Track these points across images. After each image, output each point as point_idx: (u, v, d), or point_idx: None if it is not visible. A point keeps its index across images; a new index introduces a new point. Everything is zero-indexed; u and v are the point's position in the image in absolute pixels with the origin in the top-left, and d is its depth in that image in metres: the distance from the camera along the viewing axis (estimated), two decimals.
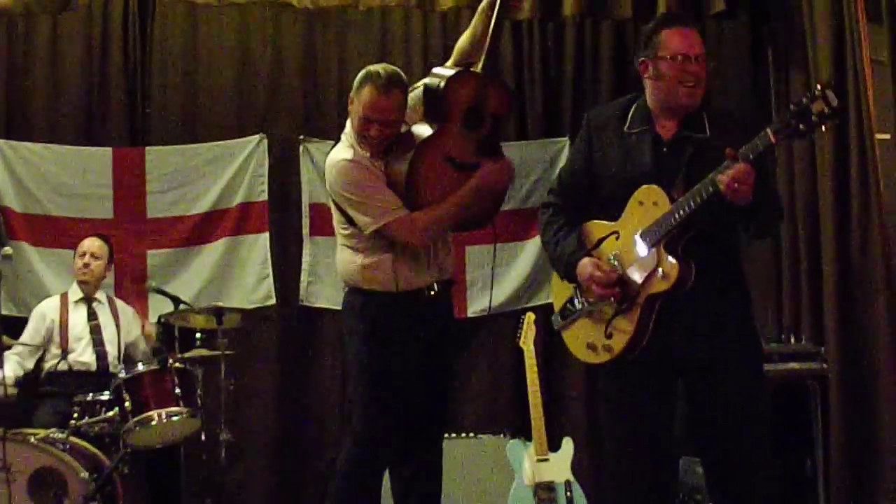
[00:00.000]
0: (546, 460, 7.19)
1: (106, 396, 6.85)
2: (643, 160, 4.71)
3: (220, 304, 7.50)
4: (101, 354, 7.59)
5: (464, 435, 7.75)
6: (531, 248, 8.55)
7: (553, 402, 8.03)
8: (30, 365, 7.44)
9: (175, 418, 6.66)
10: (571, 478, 7.17)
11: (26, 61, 8.54)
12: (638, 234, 4.64)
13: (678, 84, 4.65)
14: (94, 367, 7.53)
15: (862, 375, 7.20)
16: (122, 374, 6.74)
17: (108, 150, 8.49)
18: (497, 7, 5.35)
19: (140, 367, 6.82)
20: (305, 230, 8.50)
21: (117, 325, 7.75)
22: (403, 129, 5.37)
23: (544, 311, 7.59)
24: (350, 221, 5.33)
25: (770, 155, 4.89)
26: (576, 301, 4.93)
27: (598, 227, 4.86)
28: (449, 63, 5.56)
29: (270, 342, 8.51)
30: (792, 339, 7.45)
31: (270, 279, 8.40)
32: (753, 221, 4.61)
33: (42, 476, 6.26)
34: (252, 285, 8.44)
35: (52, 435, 6.51)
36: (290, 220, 8.57)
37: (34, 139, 8.43)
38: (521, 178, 8.59)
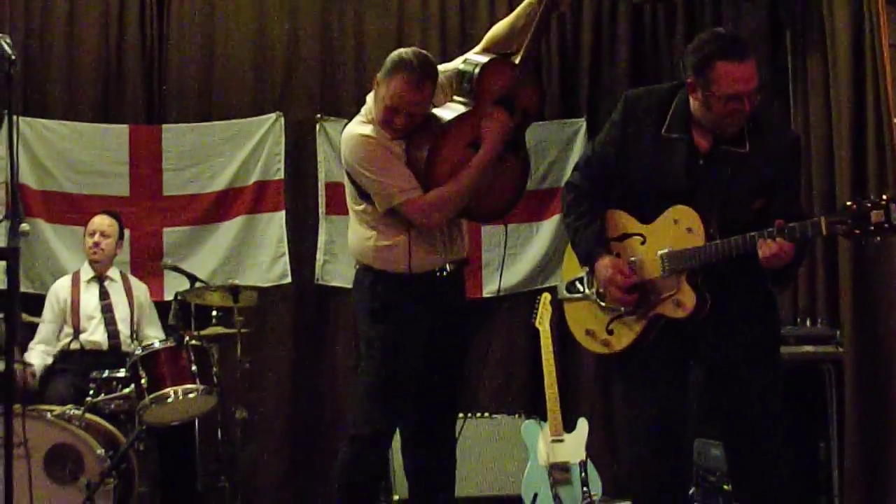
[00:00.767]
0: (561, 440, 7.20)
1: (122, 373, 6.85)
2: (678, 172, 4.62)
3: (237, 282, 7.49)
4: (112, 333, 7.61)
5: (479, 415, 7.78)
6: (547, 229, 8.57)
7: (568, 382, 8.02)
8: (54, 351, 7.49)
9: (191, 395, 6.67)
10: (586, 458, 7.17)
11: (43, 38, 8.55)
12: (665, 251, 4.62)
13: (729, 121, 4.54)
14: (105, 347, 7.56)
15: (877, 359, 7.17)
16: (138, 352, 6.75)
17: (125, 127, 8.52)
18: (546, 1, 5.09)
19: (156, 344, 6.83)
20: (321, 209, 8.51)
21: (130, 304, 7.77)
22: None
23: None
24: (363, 196, 5.17)
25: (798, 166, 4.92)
26: (585, 284, 4.94)
27: (625, 221, 4.81)
28: (477, 49, 5.38)
29: (286, 321, 8.53)
30: (807, 323, 7.42)
31: (286, 258, 8.40)
32: (779, 279, 4.61)
33: (58, 452, 6.28)
34: (268, 264, 8.45)
35: (68, 411, 6.53)
36: (305, 199, 8.57)
37: (51, 116, 8.46)
38: (538, 160, 8.60)
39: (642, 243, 4.73)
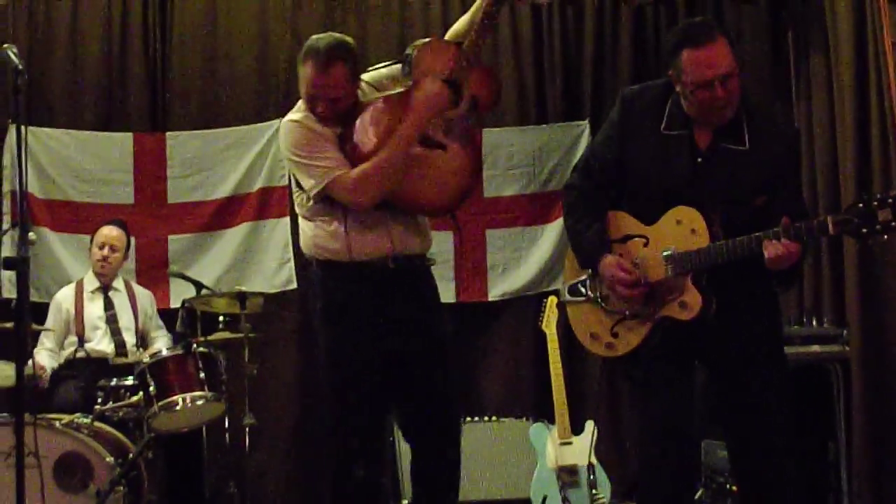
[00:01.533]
0: (569, 443, 7.20)
1: (130, 381, 6.86)
2: (679, 171, 4.62)
3: (243, 288, 7.49)
4: (119, 343, 7.64)
5: (486, 418, 7.79)
6: (552, 231, 8.54)
7: (575, 385, 8.00)
8: (60, 359, 7.50)
9: (199, 402, 6.65)
10: (594, 461, 7.17)
11: (46, 47, 8.56)
12: (668, 253, 4.60)
13: (710, 110, 4.51)
14: (111, 357, 7.57)
15: (884, 358, 7.18)
16: (146, 360, 6.75)
17: (129, 135, 8.53)
18: None
19: (164, 352, 6.82)
20: None
21: (135, 313, 7.79)
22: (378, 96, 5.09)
23: None
24: (299, 185, 5.08)
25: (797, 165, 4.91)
26: (587, 287, 4.92)
27: (627, 222, 4.80)
28: None
29: (291, 326, 8.51)
30: (813, 322, 7.42)
31: (292, 264, 8.38)
32: (783, 280, 4.60)
33: (68, 461, 6.27)
34: (273, 270, 8.45)
35: (76, 420, 6.53)
36: None
37: (54, 125, 8.47)
38: (542, 163, 8.65)
39: (645, 245, 4.72)
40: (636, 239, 4.75)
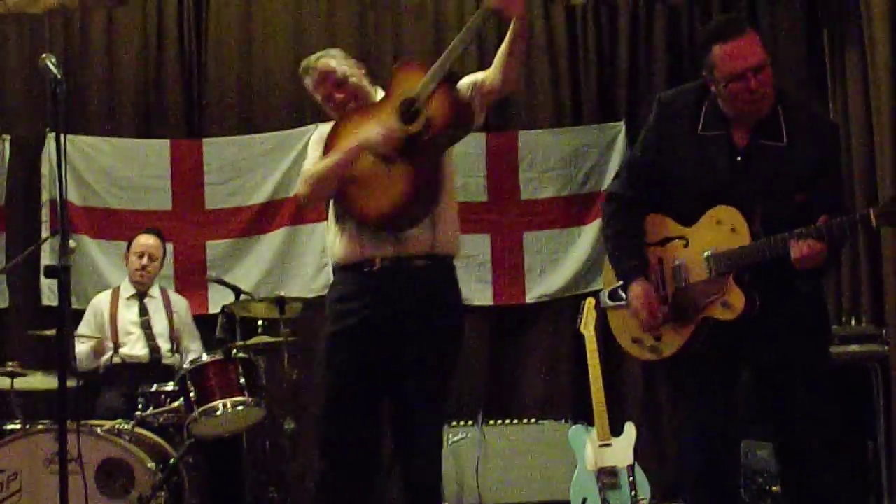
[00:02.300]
0: (608, 445, 7.19)
1: (170, 387, 6.89)
2: (718, 171, 4.61)
3: (282, 293, 7.51)
4: (153, 348, 7.68)
5: (525, 420, 7.81)
6: (589, 233, 8.55)
7: (613, 386, 8.00)
8: (100, 366, 7.55)
9: (240, 408, 6.66)
10: (634, 462, 7.16)
11: (83, 56, 8.64)
12: (709, 253, 4.60)
13: (744, 104, 4.51)
14: (146, 360, 7.62)
15: None
16: (186, 366, 6.78)
17: (166, 141, 8.60)
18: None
19: (204, 357, 6.83)
20: None
21: (170, 319, 7.82)
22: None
23: None
24: None
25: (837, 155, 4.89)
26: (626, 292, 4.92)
27: (666, 224, 4.80)
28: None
29: None
30: (852, 322, 7.40)
31: (329, 268, 8.34)
32: (807, 279, 4.54)
33: (110, 467, 6.32)
34: (311, 274, 8.49)
35: (118, 426, 6.58)
36: None
37: (92, 133, 8.54)
38: (578, 164, 8.67)
39: (685, 246, 4.72)
40: (676, 241, 4.76)
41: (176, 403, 6.78)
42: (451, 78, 4.82)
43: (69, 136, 8.25)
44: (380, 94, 5.17)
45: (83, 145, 8.43)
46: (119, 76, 8.68)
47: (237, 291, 7.51)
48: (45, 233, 8.22)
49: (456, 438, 7.65)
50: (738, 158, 4.60)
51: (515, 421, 7.77)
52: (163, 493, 6.33)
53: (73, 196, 8.31)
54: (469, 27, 4.78)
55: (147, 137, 8.63)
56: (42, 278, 8.21)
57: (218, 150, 8.60)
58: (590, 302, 7.51)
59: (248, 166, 8.57)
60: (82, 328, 7.65)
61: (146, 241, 7.83)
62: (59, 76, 4.62)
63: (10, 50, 8.66)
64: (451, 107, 4.84)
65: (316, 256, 8.48)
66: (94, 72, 8.64)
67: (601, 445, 7.19)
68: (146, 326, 7.71)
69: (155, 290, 7.92)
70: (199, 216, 8.57)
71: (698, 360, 4.73)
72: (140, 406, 6.86)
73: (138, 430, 6.64)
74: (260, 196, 8.57)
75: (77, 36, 8.69)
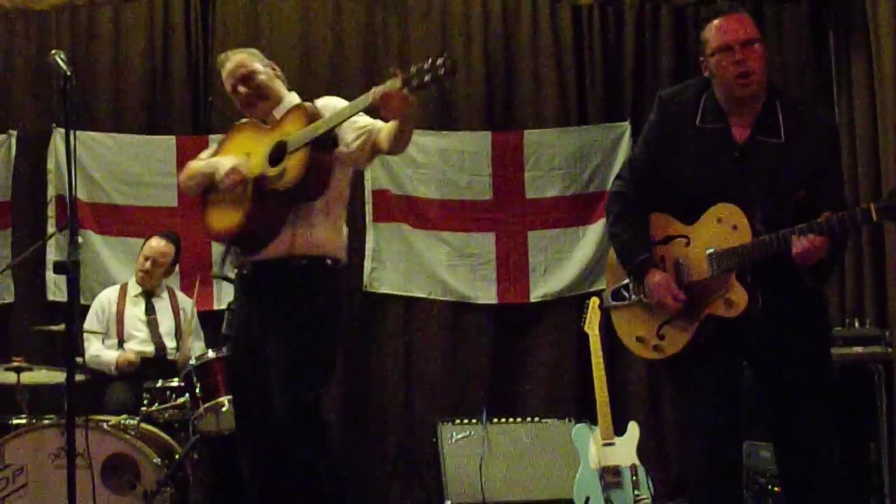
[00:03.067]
0: (612, 444, 7.20)
1: (176, 383, 6.92)
2: (718, 166, 4.63)
3: None
4: (159, 346, 7.71)
5: (529, 419, 7.83)
6: (594, 232, 8.58)
7: (617, 386, 8.02)
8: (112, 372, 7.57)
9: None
10: (637, 461, 7.18)
11: (90, 52, 8.63)
12: (711, 251, 4.62)
13: (731, 78, 4.54)
14: (152, 355, 7.66)
15: None
16: (193, 362, 6.78)
17: (172, 138, 8.61)
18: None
19: (210, 353, 6.84)
20: (368, 216, 8.58)
21: (176, 318, 7.86)
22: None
23: None
24: None
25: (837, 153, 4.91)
26: (630, 290, 4.93)
27: (668, 223, 4.81)
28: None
29: None
30: (856, 324, 7.41)
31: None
32: (815, 276, 4.56)
33: (116, 462, 6.31)
34: None
35: (123, 421, 6.59)
36: (352, 207, 8.57)
37: (98, 129, 8.55)
38: (583, 163, 8.68)
39: (686, 245, 4.73)
40: (678, 239, 4.77)
41: (181, 399, 6.81)
42: (320, 142, 5.05)
43: (76, 133, 8.25)
44: (294, 99, 5.52)
45: (90, 141, 8.44)
46: (125, 73, 8.68)
47: None
48: (50, 228, 8.23)
49: (460, 436, 7.67)
50: (737, 154, 4.62)
51: (519, 419, 7.79)
52: (168, 489, 6.34)
53: (79, 192, 8.26)
54: (356, 103, 4.95)
55: (153, 133, 8.64)
56: (48, 273, 8.24)
57: None
58: (594, 301, 7.52)
59: None
60: (89, 323, 7.66)
61: (156, 244, 7.85)
62: (68, 72, 4.65)
63: (16, 45, 8.66)
64: (306, 170, 5.05)
65: None
66: (100, 68, 8.65)
67: (604, 444, 7.21)
68: (152, 325, 7.74)
69: (163, 290, 7.94)
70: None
71: (701, 359, 4.73)
72: (146, 402, 6.89)
73: (144, 425, 6.65)
74: None
75: (83, 32, 8.69)
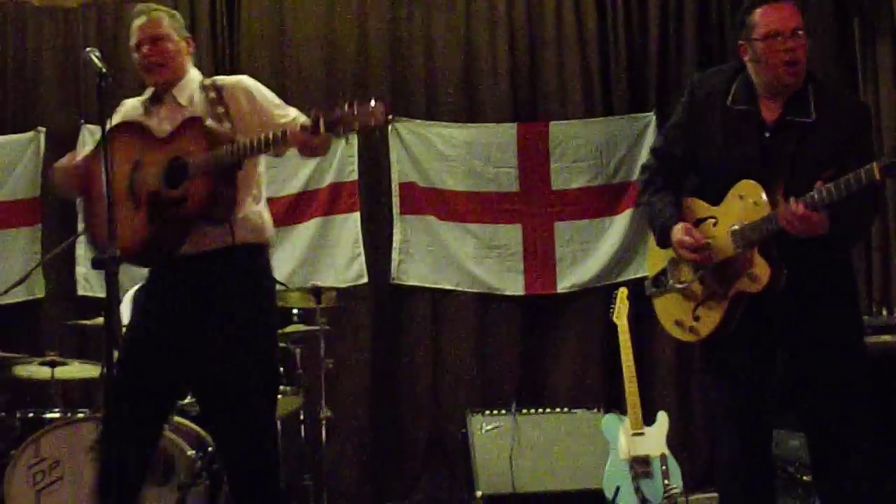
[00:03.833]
0: (641, 434, 7.23)
1: None
2: (747, 148, 4.66)
3: (316, 283, 7.57)
4: None
5: (558, 410, 7.87)
6: (620, 222, 8.61)
7: (645, 376, 8.04)
8: None
9: (279, 396, 6.70)
10: (667, 451, 7.21)
11: (116, 51, 8.63)
12: (734, 228, 4.64)
13: (778, 65, 4.57)
14: None
15: None
16: None
17: None
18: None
19: None
20: (396, 209, 8.63)
21: None
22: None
23: (635, 286, 7.63)
24: None
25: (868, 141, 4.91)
26: (668, 275, 4.98)
27: (698, 207, 4.84)
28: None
29: (363, 320, 8.62)
30: (883, 312, 7.40)
31: (362, 258, 8.49)
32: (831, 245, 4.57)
33: None
34: (344, 264, 8.54)
35: None
36: (379, 199, 8.66)
37: None
38: (608, 155, 8.72)
39: (714, 225, 4.76)
40: (707, 221, 4.79)
41: None
42: (226, 171, 4.89)
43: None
44: (195, 76, 5.31)
45: None
46: None
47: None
48: (80, 224, 8.26)
49: (489, 427, 7.70)
50: (767, 135, 4.66)
51: (548, 410, 7.81)
52: (202, 481, 6.38)
53: None
54: (275, 133, 4.94)
55: None
56: (77, 268, 8.31)
57: None
58: (622, 291, 7.55)
59: (281, 157, 8.56)
60: (123, 317, 7.69)
61: None
62: (103, 70, 4.64)
63: (44, 43, 8.71)
64: (212, 199, 4.90)
65: (348, 246, 8.55)
66: (126, 68, 8.66)
67: (634, 434, 7.24)
68: None
69: None
70: None
71: (733, 343, 4.75)
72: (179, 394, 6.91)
73: (177, 418, 6.64)
74: (293, 187, 8.59)
75: (110, 29, 8.71)
